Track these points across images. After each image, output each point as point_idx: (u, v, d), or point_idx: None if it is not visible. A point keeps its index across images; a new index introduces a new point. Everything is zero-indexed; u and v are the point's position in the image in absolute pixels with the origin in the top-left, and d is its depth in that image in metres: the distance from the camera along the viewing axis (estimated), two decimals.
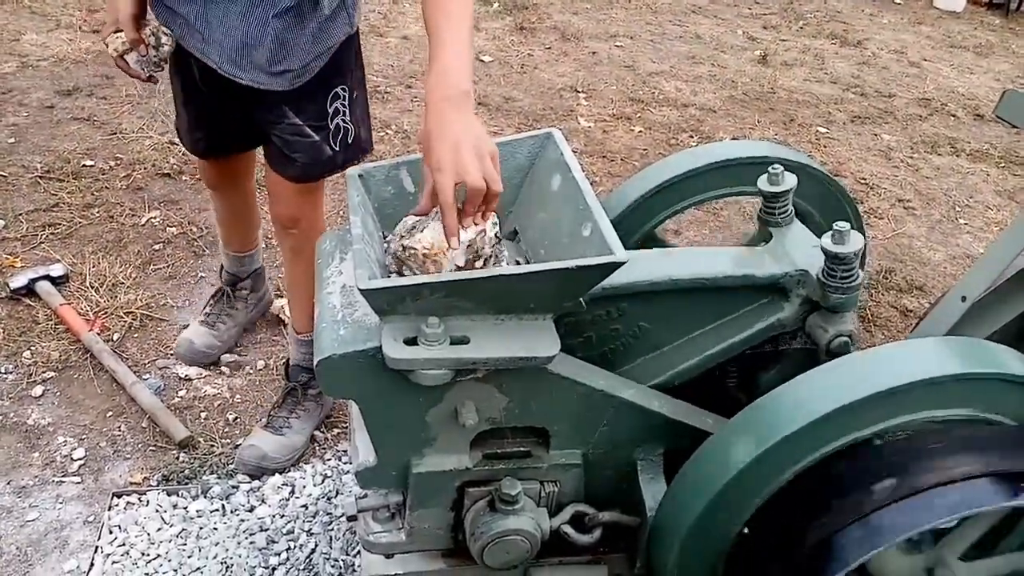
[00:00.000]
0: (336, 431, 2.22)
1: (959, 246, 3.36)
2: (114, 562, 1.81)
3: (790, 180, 1.46)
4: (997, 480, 1.05)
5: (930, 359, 1.13)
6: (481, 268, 1.23)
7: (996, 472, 1.06)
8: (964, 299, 1.67)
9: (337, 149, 1.84)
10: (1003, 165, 4.10)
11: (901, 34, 5.95)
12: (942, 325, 1.69)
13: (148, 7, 1.74)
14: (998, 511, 1.11)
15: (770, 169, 1.46)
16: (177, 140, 2.15)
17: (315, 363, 1.15)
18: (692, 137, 3.98)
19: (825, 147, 4.05)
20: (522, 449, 1.33)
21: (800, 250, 1.40)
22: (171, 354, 2.38)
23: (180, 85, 1.92)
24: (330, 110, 1.80)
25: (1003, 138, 4.37)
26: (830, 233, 1.28)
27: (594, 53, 4.87)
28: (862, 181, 3.76)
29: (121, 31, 1.70)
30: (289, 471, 2.07)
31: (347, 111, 1.84)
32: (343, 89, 1.81)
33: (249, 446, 2.05)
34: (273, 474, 2.04)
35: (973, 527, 1.15)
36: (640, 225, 1.72)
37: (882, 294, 2.98)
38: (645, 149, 3.81)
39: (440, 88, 1.18)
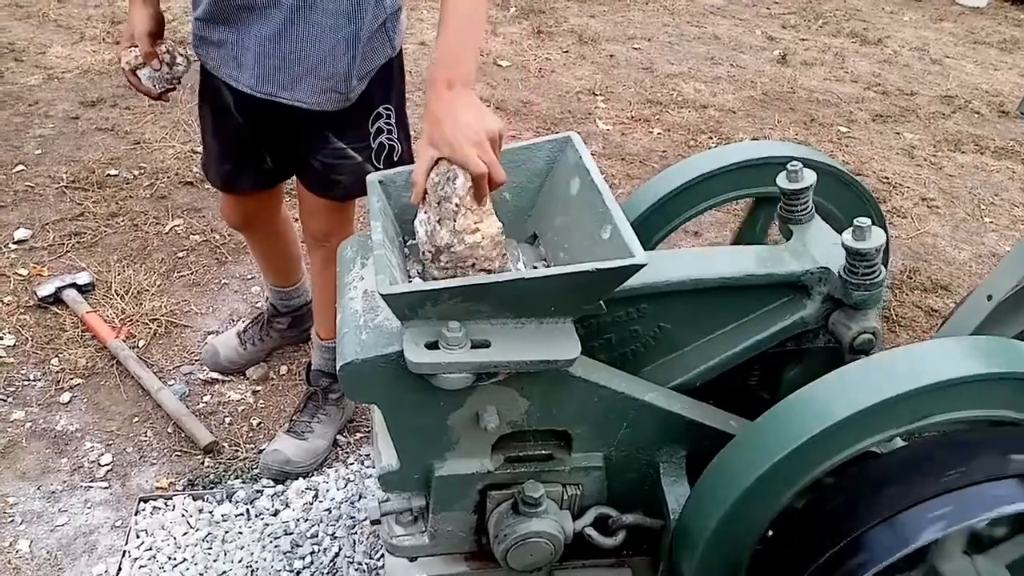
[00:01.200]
0: (359, 435, 2.23)
1: (984, 245, 3.32)
2: (141, 566, 1.83)
3: (809, 177, 1.45)
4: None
5: (957, 359, 1.12)
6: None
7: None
8: (990, 298, 1.65)
9: (380, 167, 1.82)
10: None
11: (922, 31, 5.89)
12: (968, 324, 1.67)
13: (194, 28, 1.74)
14: None
15: (789, 166, 1.45)
16: (200, 150, 2.14)
17: (338, 368, 1.16)
18: (711, 138, 3.96)
19: (847, 147, 4.02)
20: (544, 452, 1.33)
21: (821, 247, 1.39)
22: (196, 359, 2.41)
23: (211, 114, 1.88)
24: (372, 130, 1.80)
25: None
26: (851, 229, 1.27)
27: (611, 56, 4.87)
28: (885, 180, 3.72)
29: (136, 46, 1.74)
30: (312, 475, 2.08)
31: (392, 129, 1.83)
32: (386, 108, 1.80)
33: (272, 451, 2.07)
34: (296, 478, 2.06)
35: None
36: (660, 227, 1.72)
37: (906, 294, 2.95)
38: (664, 151, 3.80)
39: (444, 71, 1.20)
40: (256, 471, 2.09)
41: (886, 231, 1.70)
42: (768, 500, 1.16)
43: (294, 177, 1.95)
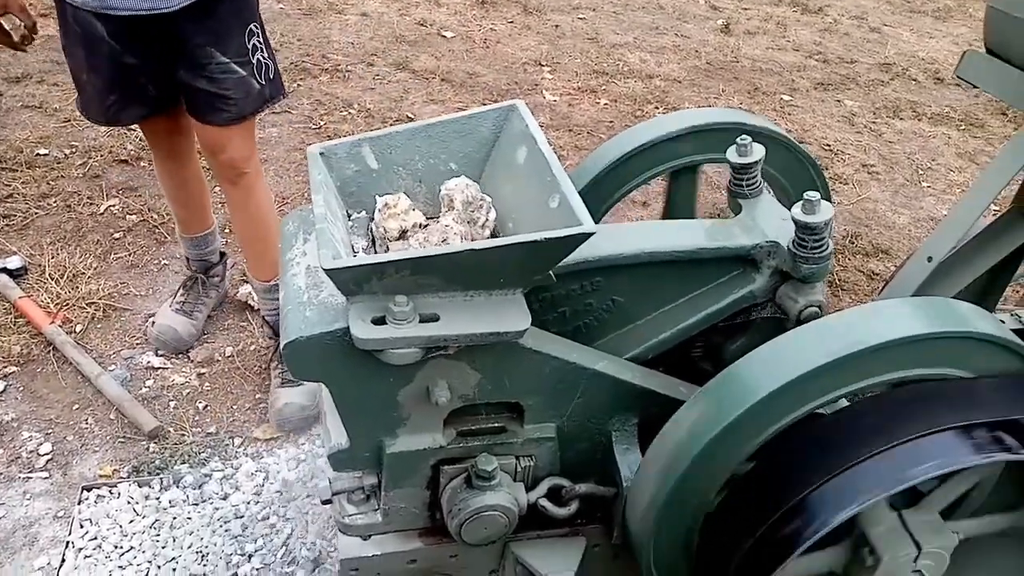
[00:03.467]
0: None
1: (923, 209, 3.40)
2: (86, 556, 1.78)
3: (758, 151, 1.45)
4: (976, 433, 1.06)
5: (899, 320, 1.13)
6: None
7: (976, 424, 1.07)
8: (930, 260, 1.68)
9: (263, 83, 1.95)
10: (963, 128, 4.15)
11: (861, 0, 5.97)
12: (909, 286, 1.70)
13: None
14: (979, 466, 1.12)
15: (738, 140, 1.45)
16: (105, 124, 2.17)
17: (281, 346, 1.13)
18: (658, 108, 3.97)
19: (789, 115, 4.06)
20: (496, 425, 1.32)
21: (770, 221, 1.40)
22: (138, 343, 2.34)
23: (83, 51, 1.89)
24: (249, 46, 1.91)
25: (963, 101, 4.42)
26: (800, 203, 1.28)
27: (557, 26, 4.83)
28: (826, 147, 3.78)
29: (9, 13, 1.83)
30: (263, 457, 2.05)
31: (263, 47, 1.95)
32: (256, 26, 1.92)
33: (285, 405, 2.10)
34: (314, 423, 2.13)
35: (956, 484, 1.17)
36: (608, 196, 1.71)
37: (848, 258, 3.01)
38: (611, 122, 3.79)
39: None
40: (202, 456, 2.04)
41: (829, 197, 1.73)
42: (718, 464, 1.17)
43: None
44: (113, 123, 2.10)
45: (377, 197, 1.29)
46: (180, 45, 1.83)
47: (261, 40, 1.94)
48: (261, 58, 1.93)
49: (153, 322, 2.35)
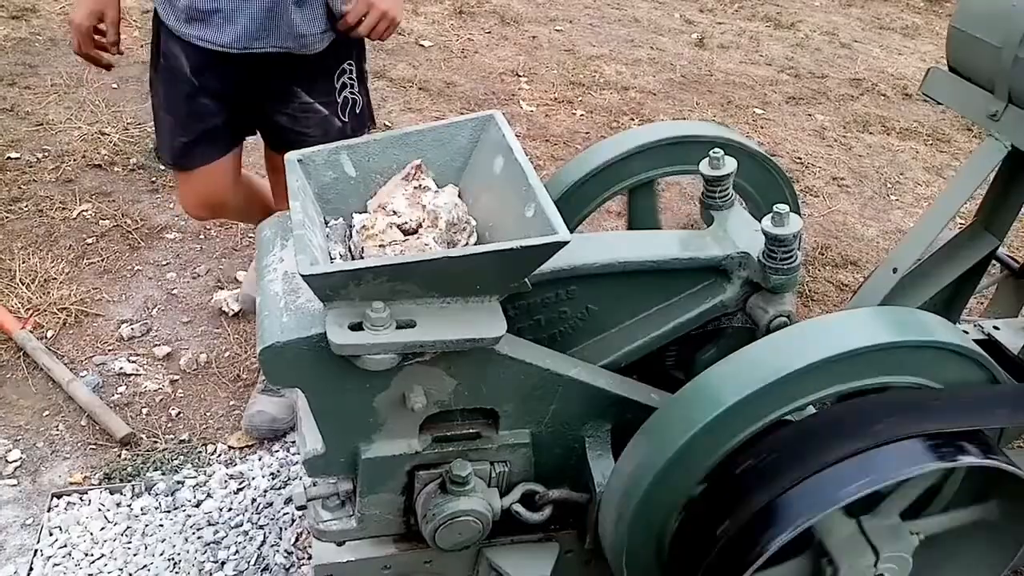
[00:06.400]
0: None
1: (891, 221, 3.47)
2: (55, 564, 1.76)
3: (730, 164, 1.48)
4: (934, 441, 1.09)
5: (865, 329, 1.16)
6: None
7: (933, 433, 1.10)
8: (895, 271, 1.73)
9: (346, 120, 1.90)
10: (931, 143, 4.23)
11: (832, 16, 6.08)
12: (875, 296, 1.75)
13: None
14: (936, 472, 1.15)
15: (711, 153, 1.48)
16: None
17: (258, 351, 1.14)
18: (633, 120, 4.02)
19: (762, 128, 4.13)
20: (471, 431, 1.33)
21: (741, 233, 1.43)
22: (110, 349, 2.32)
23: (163, 89, 1.86)
24: (337, 85, 1.87)
25: (930, 116, 4.52)
26: (770, 216, 1.31)
27: (534, 37, 4.87)
28: (797, 160, 3.85)
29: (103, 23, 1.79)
30: (236, 463, 2.04)
31: (354, 83, 1.90)
32: (349, 64, 1.88)
33: (257, 412, 2.06)
34: (283, 436, 2.09)
35: (913, 488, 1.20)
36: (583, 206, 1.73)
37: (818, 270, 3.06)
38: (587, 132, 3.83)
39: None
40: (175, 463, 2.03)
41: (799, 210, 1.76)
42: (689, 471, 1.19)
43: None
44: (180, 167, 1.94)
45: (355, 215, 1.30)
46: (265, 82, 1.81)
47: (354, 76, 1.88)
48: (349, 95, 1.88)
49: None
